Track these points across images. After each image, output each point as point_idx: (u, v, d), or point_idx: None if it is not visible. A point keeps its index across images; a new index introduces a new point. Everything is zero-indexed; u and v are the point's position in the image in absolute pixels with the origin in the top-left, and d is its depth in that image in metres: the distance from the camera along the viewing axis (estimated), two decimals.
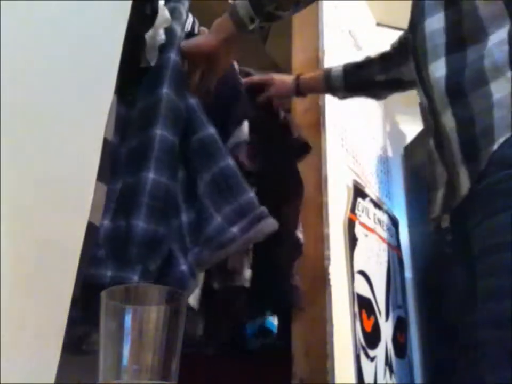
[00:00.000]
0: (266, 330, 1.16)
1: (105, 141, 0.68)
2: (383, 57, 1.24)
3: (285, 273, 1.17)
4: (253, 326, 1.16)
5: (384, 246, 1.64)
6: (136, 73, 0.91)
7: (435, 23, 0.83)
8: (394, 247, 1.73)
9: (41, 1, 0.62)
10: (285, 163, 1.25)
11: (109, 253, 0.79)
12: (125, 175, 0.85)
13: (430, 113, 0.85)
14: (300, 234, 1.24)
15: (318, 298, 1.22)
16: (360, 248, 1.44)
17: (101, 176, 0.67)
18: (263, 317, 1.16)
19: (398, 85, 1.25)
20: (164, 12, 0.96)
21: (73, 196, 0.62)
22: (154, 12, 0.92)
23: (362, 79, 1.26)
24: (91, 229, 0.65)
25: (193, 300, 0.94)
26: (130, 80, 0.89)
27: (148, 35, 0.91)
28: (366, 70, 1.26)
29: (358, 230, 1.46)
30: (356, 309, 1.33)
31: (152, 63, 0.92)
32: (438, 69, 0.80)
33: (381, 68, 1.24)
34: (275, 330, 1.17)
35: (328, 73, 1.28)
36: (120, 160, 0.87)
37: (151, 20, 0.91)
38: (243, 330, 1.17)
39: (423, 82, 0.86)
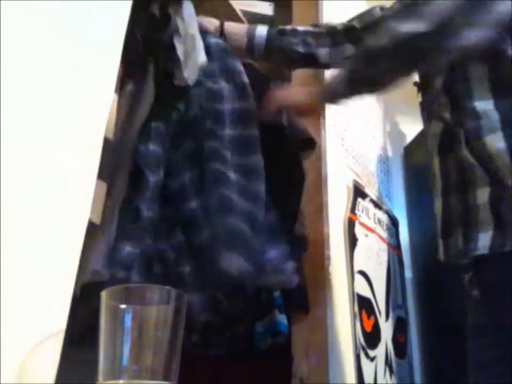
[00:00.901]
0: (278, 331, 1.16)
1: (106, 140, 0.68)
2: (311, 33, 1.29)
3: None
4: (264, 326, 1.16)
5: (384, 246, 1.63)
6: (170, 89, 0.94)
7: (486, 104, 0.94)
8: (394, 247, 1.73)
9: (42, 1, 0.62)
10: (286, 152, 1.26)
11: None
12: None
13: (485, 171, 0.93)
14: (303, 229, 1.23)
15: (318, 298, 1.22)
16: (360, 248, 1.44)
17: (101, 175, 0.67)
18: (272, 315, 1.15)
19: (312, 62, 1.30)
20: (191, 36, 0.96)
21: (73, 196, 0.62)
22: (166, 15, 0.91)
23: (283, 46, 1.28)
24: (91, 228, 0.65)
25: None
26: (165, 95, 0.94)
27: (181, 53, 0.92)
28: (288, 38, 1.28)
29: (358, 230, 1.46)
30: (356, 309, 1.33)
31: (191, 83, 0.94)
32: (497, 142, 0.92)
33: (303, 41, 1.28)
34: (286, 330, 1.17)
35: (252, 31, 1.28)
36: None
37: (162, 22, 0.91)
38: (251, 330, 1.17)
39: (472, 147, 0.95)
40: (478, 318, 0.91)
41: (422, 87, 1.12)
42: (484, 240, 0.90)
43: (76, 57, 0.65)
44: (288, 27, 1.31)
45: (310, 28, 1.30)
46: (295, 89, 1.31)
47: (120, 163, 0.86)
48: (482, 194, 0.92)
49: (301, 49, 1.27)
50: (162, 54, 0.90)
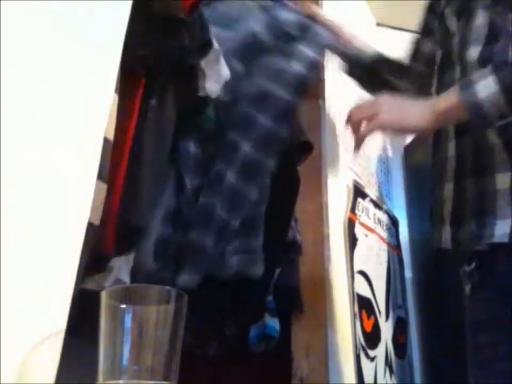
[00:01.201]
0: (267, 335, 1.16)
1: (105, 140, 0.68)
2: (399, 65, 1.31)
3: (285, 275, 1.17)
4: (256, 330, 1.16)
5: (384, 246, 1.63)
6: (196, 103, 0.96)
7: None
8: (394, 247, 1.73)
9: (42, 1, 0.62)
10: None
11: None
12: None
13: (509, 155, 0.91)
14: (297, 235, 1.23)
15: (318, 298, 1.22)
16: (360, 248, 1.44)
17: (101, 175, 0.67)
18: (264, 320, 1.15)
19: (385, 86, 1.31)
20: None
21: (73, 196, 0.62)
22: (206, 41, 0.91)
23: (383, 74, 1.32)
24: (91, 229, 0.65)
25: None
26: (193, 110, 0.98)
27: (207, 65, 0.92)
28: (387, 66, 1.31)
29: (358, 230, 1.46)
30: (356, 309, 1.33)
31: (213, 95, 0.96)
32: None
33: (394, 72, 1.30)
34: (277, 335, 1.16)
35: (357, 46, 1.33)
36: None
37: (201, 46, 0.91)
38: (246, 334, 1.17)
39: (502, 127, 0.90)
40: (479, 315, 0.89)
41: (443, 64, 1.08)
42: (503, 228, 0.85)
43: (76, 57, 0.65)
44: (386, 55, 1.33)
45: (397, 60, 1.33)
46: (389, 107, 1.06)
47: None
48: (503, 180, 0.88)
49: (393, 80, 1.30)
50: (185, 69, 0.91)
